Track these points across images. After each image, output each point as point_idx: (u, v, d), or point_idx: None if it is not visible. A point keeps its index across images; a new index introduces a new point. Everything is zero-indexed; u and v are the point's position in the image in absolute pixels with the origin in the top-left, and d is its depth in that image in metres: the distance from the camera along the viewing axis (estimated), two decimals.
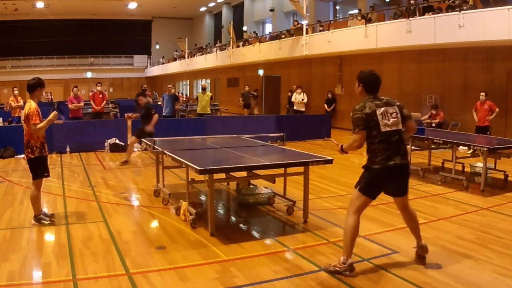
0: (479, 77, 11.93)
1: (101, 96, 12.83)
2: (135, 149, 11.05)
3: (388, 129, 3.74)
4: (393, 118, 3.78)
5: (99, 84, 13.15)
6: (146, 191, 6.83)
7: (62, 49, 36.41)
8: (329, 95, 16.33)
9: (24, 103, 5.52)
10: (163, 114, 12.78)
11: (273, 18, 25.42)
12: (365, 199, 3.82)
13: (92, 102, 12.69)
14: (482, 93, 10.12)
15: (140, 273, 3.80)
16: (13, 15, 32.57)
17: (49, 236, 4.81)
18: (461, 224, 5.20)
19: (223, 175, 5.68)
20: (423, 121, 11.67)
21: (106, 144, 10.86)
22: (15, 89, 13.31)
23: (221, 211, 6.01)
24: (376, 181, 3.80)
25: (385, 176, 3.79)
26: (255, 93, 19.46)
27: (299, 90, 15.37)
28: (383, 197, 6.48)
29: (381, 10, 16.37)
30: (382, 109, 3.76)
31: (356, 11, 17.42)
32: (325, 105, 16.13)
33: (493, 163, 7.76)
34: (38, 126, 4.89)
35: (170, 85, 13.49)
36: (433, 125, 11.60)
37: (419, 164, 8.63)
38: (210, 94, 14.27)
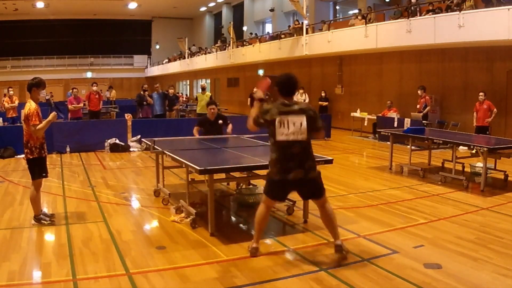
0: (479, 77, 11.93)
1: (97, 96, 12.90)
2: (134, 149, 11.07)
3: (284, 138, 3.83)
4: (295, 127, 3.84)
5: (94, 84, 13.24)
6: (146, 191, 6.83)
7: (62, 49, 36.41)
8: (323, 94, 16.30)
9: (21, 104, 5.50)
10: (155, 113, 12.82)
11: (273, 18, 25.43)
12: (268, 199, 4.09)
13: (86, 102, 12.80)
14: (481, 93, 10.12)
15: (140, 273, 3.80)
16: (13, 15, 32.56)
17: (49, 236, 4.81)
18: (461, 224, 5.20)
19: (223, 175, 5.68)
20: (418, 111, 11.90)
21: (106, 144, 10.86)
22: (10, 89, 13.12)
23: (221, 211, 6.00)
24: (278, 189, 4.01)
25: (287, 187, 3.99)
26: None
27: (301, 91, 15.35)
28: (383, 196, 6.53)
29: (381, 10, 16.38)
30: (283, 116, 3.84)
31: (356, 11, 17.43)
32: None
33: (493, 163, 7.76)
34: (38, 127, 4.88)
35: (157, 85, 13.47)
36: (421, 112, 11.77)
37: (419, 164, 8.63)
38: (210, 94, 14.28)
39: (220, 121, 7.45)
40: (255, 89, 4.25)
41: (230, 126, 7.53)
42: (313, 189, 4.04)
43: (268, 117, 3.87)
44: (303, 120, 3.84)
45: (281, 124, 3.81)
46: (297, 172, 3.86)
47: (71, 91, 13.27)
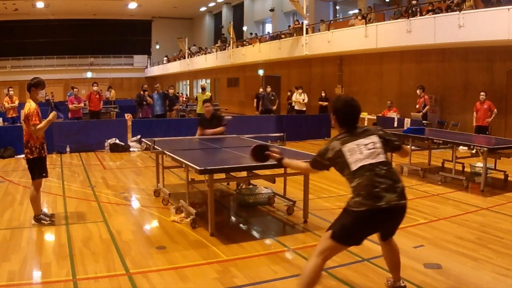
0: (479, 77, 11.93)
1: (97, 96, 12.92)
2: (134, 149, 11.07)
3: (361, 164, 2.98)
4: (369, 149, 3.03)
5: (95, 84, 13.26)
6: (146, 191, 6.82)
7: (62, 49, 36.41)
8: (323, 94, 16.30)
9: (21, 103, 5.50)
10: (155, 113, 12.85)
11: (273, 18, 25.44)
12: (337, 246, 2.99)
13: (87, 102, 12.84)
14: (482, 93, 10.13)
15: (140, 273, 3.80)
16: (13, 15, 32.57)
17: (49, 236, 4.81)
18: (461, 224, 5.20)
19: (223, 175, 5.68)
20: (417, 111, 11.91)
21: (106, 144, 10.86)
22: (10, 89, 13.12)
23: (221, 211, 6.00)
24: (362, 227, 2.97)
25: (376, 222, 2.98)
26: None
27: (300, 91, 15.34)
28: None
29: (381, 10, 16.38)
30: (349, 144, 3.05)
31: (356, 11, 17.43)
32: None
33: (493, 163, 7.76)
34: (38, 126, 4.88)
35: (157, 85, 13.50)
36: (420, 112, 11.77)
37: (419, 164, 8.63)
38: (210, 94, 14.27)
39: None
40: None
41: (221, 128, 7.29)
42: (399, 222, 3.10)
43: (330, 153, 3.09)
44: (374, 139, 3.08)
45: (352, 152, 3.03)
46: (390, 197, 2.89)
47: (72, 91, 13.29)
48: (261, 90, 16.14)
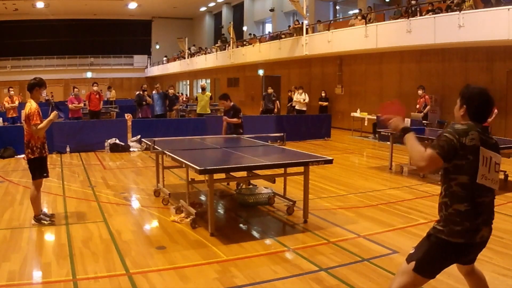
0: (479, 77, 11.92)
1: (97, 96, 12.94)
2: (134, 149, 11.07)
3: (483, 182, 2.46)
4: (496, 171, 2.50)
5: (95, 84, 13.28)
6: (146, 191, 6.83)
7: (62, 49, 36.42)
8: (323, 94, 16.31)
9: (21, 103, 5.50)
10: (155, 113, 12.87)
11: (273, 18, 25.44)
12: (421, 280, 2.52)
13: (87, 102, 12.87)
14: None
15: (140, 273, 3.81)
16: (13, 15, 32.57)
17: (49, 236, 4.81)
18: None
19: (223, 175, 5.68)
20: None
21: (106, 144, 10.86)
22: (10, 89, 13.14)
23: (221, 211, 6.01)
24: (449, 259, 2.53)
25: (463, 256, 2.56)
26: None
27: (300, 91, 15.36)
28: (383, 196, 6.53)
29: (381, 10, 16.38)
30: (486, 150, 2.47)
31: (356, 11, 17.44)
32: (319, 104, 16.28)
33: None
34: (39, 126, 4.89)
35: (157, 85, 13.54)
36: (421, 112, 11.76)
37: None
38: (210, 94, 14.29)
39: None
40: (386, 117, 2.88)
41: (236, 120, 7.59)
42: (480, 252, 2.66)
43: (468, 140, 2.44)
44: (499, 160, 2.54)
45: (485, 160, 2.45)
46: (485, 230, 2.50)
47: (73, 91, 13.31)
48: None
